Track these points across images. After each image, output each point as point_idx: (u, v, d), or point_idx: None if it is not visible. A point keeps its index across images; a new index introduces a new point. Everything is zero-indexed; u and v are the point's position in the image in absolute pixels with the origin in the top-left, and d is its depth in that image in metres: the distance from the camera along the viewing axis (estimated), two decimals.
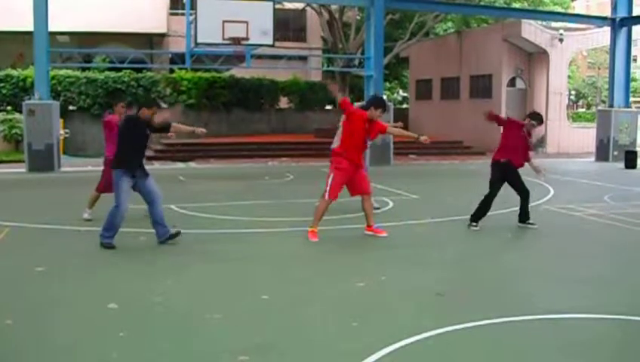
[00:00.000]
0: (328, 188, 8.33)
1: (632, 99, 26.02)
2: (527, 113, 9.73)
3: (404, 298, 5.93)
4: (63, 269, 6.87)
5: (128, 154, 7.78)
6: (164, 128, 8.20)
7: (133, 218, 9.03)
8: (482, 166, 19.46)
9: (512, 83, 27.07)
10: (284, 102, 29.85)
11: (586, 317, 5.35)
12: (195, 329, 5.01)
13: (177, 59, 20.20)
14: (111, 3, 28.41)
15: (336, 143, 9.24)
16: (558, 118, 26.67)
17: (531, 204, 10.16)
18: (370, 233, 8.55)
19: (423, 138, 8.66)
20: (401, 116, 30.88)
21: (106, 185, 9.14)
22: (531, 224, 9.21)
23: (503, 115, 9.42)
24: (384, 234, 8.52)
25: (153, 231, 8.00)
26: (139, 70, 23.98)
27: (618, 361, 4.63)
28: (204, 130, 8.43)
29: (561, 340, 4.88)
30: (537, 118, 9.26)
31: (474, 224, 9.09)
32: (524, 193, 9.22)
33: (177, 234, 7.98)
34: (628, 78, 22.60)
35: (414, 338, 4.74)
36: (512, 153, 9.04)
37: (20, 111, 18.42)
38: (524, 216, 9.27)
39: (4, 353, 4.57)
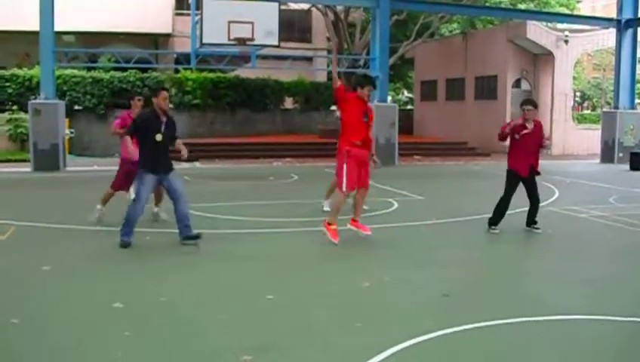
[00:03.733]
0: (344, 180, 8.02)
1: (637, 100, 25.94)
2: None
3: (408, 298, 5.94)
4: (69, 268, 6.90)
5: (147, 153, 7.73)
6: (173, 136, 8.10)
7: (140, 217, 9.05)
8: (487, 167, 19.53)
9: (517, 84, 27.04)
10: (289, 103, 29.87)
11: (590, 319, 5.34)
12: (199, 328, 5.02)
13: (182, 59, 20.28)
14: (116, 3, 28.47)
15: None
16: (564, 120, 26.63)
17: None
18: (353, 228, 8.26)
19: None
20: (406, 117, 31.01)
21: (121, 183, 9.21)
22: (536, 229, 9.10)
23: (507, 123, 9.10)
24: (368, 233, 8.24)
25: (159, 230, 8.03)
26: (144, 70, 24.03)
27: None
28: (185, 153, 8.06)
29: (565, 341, 4.88)
30: (527, 103, 8.89)
31: (493, 227, 8.96)
32: (534, 199, 9.08)
33: (198, 236, 7.89)
34: (633, 80, 22.53)
35: (419, 339, 4.74)
36: (522, 158, 8.89)
37: (26, 111, 18.48)
38: (531, 220, 9.16)
39: (10, 352, 4.59)
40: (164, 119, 7.77)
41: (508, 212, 8.93)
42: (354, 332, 4.97)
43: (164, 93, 7.82)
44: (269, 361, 4.47)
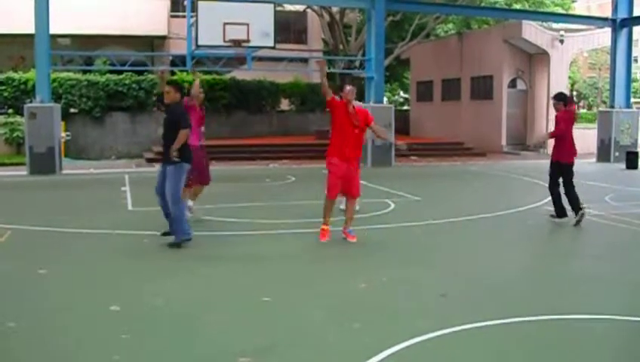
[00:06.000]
0: (326, 188, 8.30)
1: (632, 99, 25.99)
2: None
3: (406, 299, 5.94)
4: (65, 271, 6.88)
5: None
6: None
7: (136, 220, 9.05)
8: (483, 167, 19.54)
9: (512, 84, 27.07)
10: (285, 104, 29.85)
11: (588, 318, 5.35)
12: (196, 330, 5.01)
13: (178, 61, 20.22)
14: (112, 5, 28.41)
15: None
16: None
17: (533, 205, 10.18)
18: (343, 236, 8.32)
19: (400, 143, 9.45)
20: (402, 118, 31.03)
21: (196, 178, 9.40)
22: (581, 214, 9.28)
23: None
24: (354, 241, 8.25)
25: (155, 233, 8.00)
26: (140, 72, 23.98)
27: None
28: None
29: (564, 341, 4.88)
30: (556, 97, 9.47)
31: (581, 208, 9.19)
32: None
33: (165, 234, 8.09)
34: (629, 79, 22.59)
35: (417, 340, 4.74)
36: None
37: (22, 114, 18.43)
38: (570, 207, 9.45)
39: (7, 355, 4.58)
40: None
41: (508, 211, 8.92)
42: (352, 333, 4.96)
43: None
44: None
